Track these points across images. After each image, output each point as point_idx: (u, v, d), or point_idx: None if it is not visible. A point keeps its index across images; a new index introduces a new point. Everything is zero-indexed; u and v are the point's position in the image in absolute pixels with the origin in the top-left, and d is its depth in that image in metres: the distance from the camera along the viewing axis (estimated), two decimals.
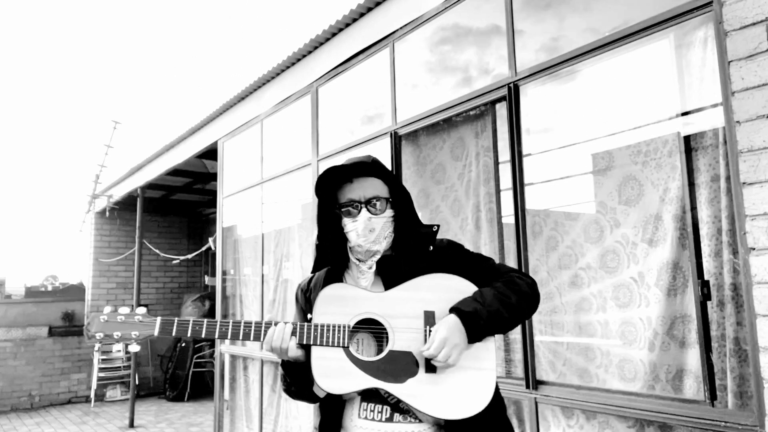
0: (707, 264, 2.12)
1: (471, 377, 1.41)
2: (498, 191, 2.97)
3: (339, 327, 1.42)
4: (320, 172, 4.31)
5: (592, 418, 2.41)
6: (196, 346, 8.75)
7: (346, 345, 1.42)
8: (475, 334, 1.40)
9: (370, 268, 1.54)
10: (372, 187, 1.54)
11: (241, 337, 1.47)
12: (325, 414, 1.51)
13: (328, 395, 1.48)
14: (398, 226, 1.57)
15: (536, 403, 2.58)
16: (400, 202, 1.57)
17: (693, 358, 2.15)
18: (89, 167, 9.63)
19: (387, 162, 3.53)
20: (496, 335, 1.48)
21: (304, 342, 1.42)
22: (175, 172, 7.22)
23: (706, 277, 2.11)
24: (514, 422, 2.73)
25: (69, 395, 8.77)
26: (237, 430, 5.36)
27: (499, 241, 2.93)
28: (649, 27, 2.25)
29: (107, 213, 9.19)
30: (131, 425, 7.06)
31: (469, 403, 1.38)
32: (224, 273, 5.75)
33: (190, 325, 1.46)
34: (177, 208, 10.11)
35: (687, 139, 2.22)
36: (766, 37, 1.87)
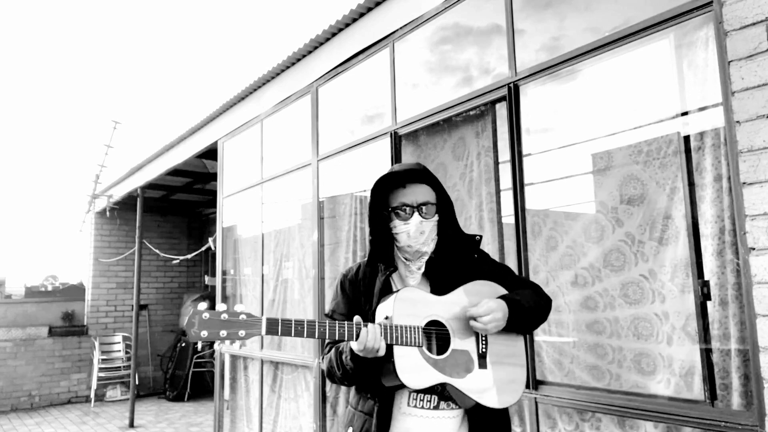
0: (710, 263, 2.11)
1: (512, 372, 1.66)
2: (498, 191, 2.97)
3: (415, 328, 1.57)
4: (320, 172, 4.33)
5: (592, 418, 2.41)
6: (195, 346, 8.75)
7: (420, 345, 1.57)
8: (513, 320, 1.62)
9: (419, 268, 1.71)
10: (422, 193, 1.69)
11: (336, 338, 1.53)
12: (380, 401, 1.65)
13: (385, 386, 1.64)
14: (441, 230, 1.73)
15: (536, 403, 2.58)
16: (445, 208, 1.73)
17: (689, 359, 2.14)
18: (89, 167, 9.63)
19: (387, 162, 3.53)
20: (524, 335, 1.73)
21: (389, 342, 1.54)
22: (175, 172, 7.21)
23: (707, 277, 2.11)
24: (515, 421, 2.73)
25: (69, 395, 8.77)
26: (237, 430, 5.36)
27: (500, 241, 2.93)
28: (649, 27, 2.25)
29: (107, 213, 9.19)
30: (131, 425, 7.06)
31: (513, 392, 1.65)
32: (224, 273, 5.75)
33: (293, 325, 1.49)
34: (177, 208, 10.10)
35: (687, 138, 2.22)
36: (766, 37, 1.87)
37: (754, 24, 1.90)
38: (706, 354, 2.08)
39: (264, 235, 5.13)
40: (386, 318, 1.59)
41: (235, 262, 5.72)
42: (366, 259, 1.80)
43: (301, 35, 4.16)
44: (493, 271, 1.77)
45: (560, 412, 2.54)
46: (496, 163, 2.99)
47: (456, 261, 1.73)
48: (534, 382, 2.59)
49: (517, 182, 2.71)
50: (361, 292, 1.75)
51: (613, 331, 2.42)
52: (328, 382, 4.04)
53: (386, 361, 1.56)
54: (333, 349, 1.71)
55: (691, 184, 2.17)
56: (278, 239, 4.97)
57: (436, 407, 1.61)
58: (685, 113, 2.26)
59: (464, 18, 3.19)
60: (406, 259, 1.72)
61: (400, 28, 3.48)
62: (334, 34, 4.04)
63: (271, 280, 4.98)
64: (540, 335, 2.69)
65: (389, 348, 1.55)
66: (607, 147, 2.53)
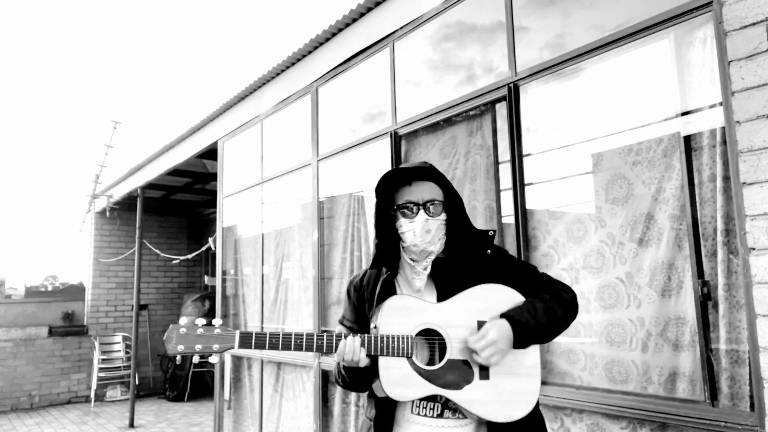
0: (705, 264, 2.11)
1: (519, 383, 1.55)
2: (498, 191, 2.97)
3: (403, 338, 1.51)
4: (320, 171, 4.33)
5: (591, 418, 2.41)
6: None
7: (410, 355, 1.51)
8: (521, 343, 1.52)
9: (425, 269, 1.63)
10: (429, 190, 1.63)
11: (314, 350, 1.53)
12: (381, 408, 1.62)
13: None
14: (450, 229, 1.66)
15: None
16: (454, 206, 1.67)
17: (689, 359, 2.14)
18: (89, 167, 9.63)
19: (387, 161, 3.53)
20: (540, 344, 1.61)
21: (372, 353, 1.51)
22: (175, 172, 7.22)
23: (707, 277, 2.11)
24: None
25: (69, 395, 8.77)
26: (238, 430, 5.36)
27: (499, 241, 2.93)
28: (650, 27, 2.25)
29: (107, 213, 9.19)
30: (131, 425, 7.06)
31: (519, 406, 1.53)
32: (224, 273, 5.75)
33: (267, 338, 1.52)
34: (177, 208, 10.11)
35: (687, 138, 2.21)
36: (766, 37, 1.87)
37: (754, 24, 1.90)
38: (706, 354, 2.08)
39: (264, 235, 5.13)
40: (374, 327, 1.55)
41: (235, 262, 5.72)
42: (371, 263, 1.74)
43: (301, 35, 4.16)
44: (510, 270, 1.66)
45: (560, 412, 2.54)
46: (496, 162, 2.99)
47: (465, 261, 1.64)
48: None
49: (517, 182, 2.71)
50: (366, 298, 1.71)
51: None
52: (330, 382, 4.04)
53: (375, 373, 1.53)
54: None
55: (691, 184, 2.17)
56: (279, 239, 4.98)
57: (440, 415, 1.55)
58: (685, 113, 2.26)
59: (467, 15, 3.19)
60: (412, 260, 1.65)
61: (400, 28, 3.49)
62: (334, 34, 4.04)
63: (273, 280, 4.98)
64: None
65: (375, 359, 1.52)
66: (604, 147, 2.52)
